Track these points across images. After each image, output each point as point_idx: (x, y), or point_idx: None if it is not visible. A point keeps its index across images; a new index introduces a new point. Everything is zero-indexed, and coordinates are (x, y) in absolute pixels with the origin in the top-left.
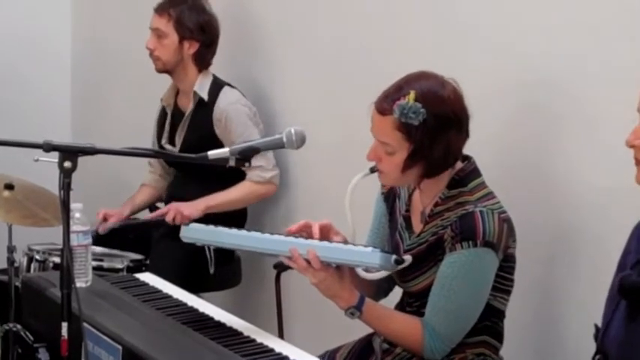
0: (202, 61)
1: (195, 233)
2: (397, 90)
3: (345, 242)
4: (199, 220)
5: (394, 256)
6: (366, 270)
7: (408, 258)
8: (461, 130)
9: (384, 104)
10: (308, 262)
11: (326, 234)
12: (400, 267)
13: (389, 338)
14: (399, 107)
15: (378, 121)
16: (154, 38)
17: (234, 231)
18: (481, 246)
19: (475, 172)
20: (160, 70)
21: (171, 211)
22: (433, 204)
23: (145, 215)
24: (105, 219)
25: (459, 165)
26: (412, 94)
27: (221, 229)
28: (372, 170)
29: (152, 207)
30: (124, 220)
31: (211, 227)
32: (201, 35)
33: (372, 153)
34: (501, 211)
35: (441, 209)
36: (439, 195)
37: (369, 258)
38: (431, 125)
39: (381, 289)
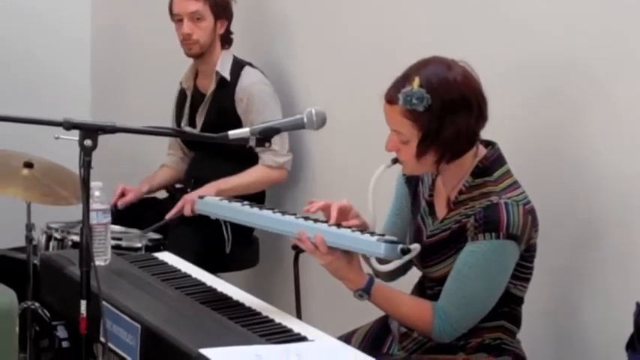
0: (228, 39)
1: (209, 206)
2: (404, 79)
3: (362, 227)
4: None
5: (400, 246)
6: (379, 260)
7: (415, 247)
8: (471, 112)
9: (391, 94)
10: (316, 245)
11: (344, 216)
12: (408, 257)
13: (398, 320)
14: (403, 95)
15: (388, 110)
16: (190, 22)
17: (246, 208)
18: (504, 238)
19: (500, 160)
20: (194, 55)
21: (187, 204)
22: (457, 191)
23: (167, 216)
24: (123, 194)
25: (483, 151)
26: (416, 81)
27: (235, 204)
28: (394, 161)
29: (171, 188)
30: (146, 229)
31: (225, 202)
32: (229, 13)
33: (390, 143)
34: (526, 202)
35: (465, 197)
36: (463, 182)
37: (374, 248)
38: (437, 110)
39: (396, 272)
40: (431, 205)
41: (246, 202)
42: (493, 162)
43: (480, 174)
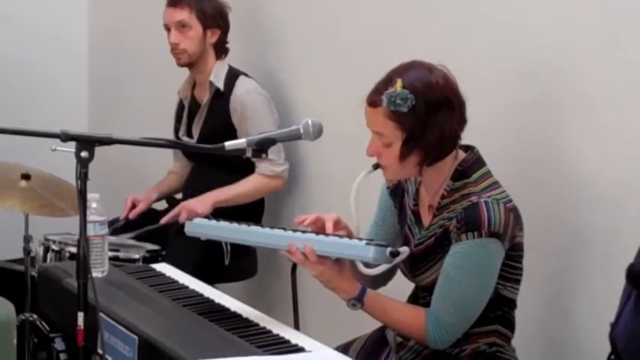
0: (222, 48)
1: (198, 228)
2: (386, 82)
3: (348, 236)
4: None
5: (389, 249)
6: (366, 265)
7: (404, 249)
8: (453, 112)
9: (374, 96)
10: (306, 255)
11: (335, 228)
12: (397, 259)
13: (392, 328)
14: (387, 96)
15: (370, 113)
16: (176, 32)
17: (234, 225)
18: (486, 236)
19: (479, 162)
20: (184, 64)
21: (184, 211)
22: (440, 196)
23: (162, 220)
24: (134, 205)
25: (462, 155)
26: (399, 83)
27: (223, 223)
28: (375, 167)
29: (170, 198)
30: (140, 231)
31: (213, 222)
32: (221, 22)
33: (371, 148)
34: (507, 201)
35: (447, 202)
36: (444, 187)
37: (363, 251)
38: (421, 110)
39: (379, 279)
40: (416, 214)
41: (234, 221)
42: (472, 164)
43: (460, 177)
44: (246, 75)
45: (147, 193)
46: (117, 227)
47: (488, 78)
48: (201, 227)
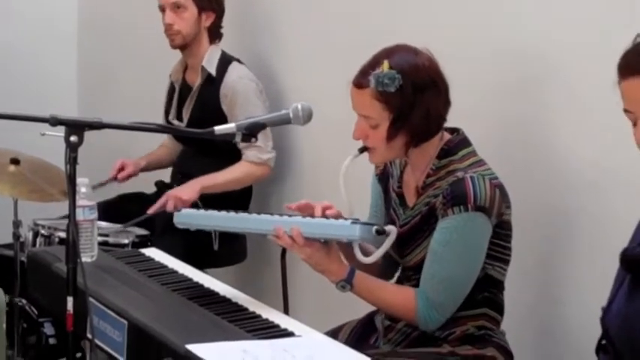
0: (217, 33)
1: (187, 218)
2: (372, 64)
3: (335, 217)
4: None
5: (375, 227)
6: (363, 253)
7: (390, 228)
8: (439, 93)
9: (360, 78)
10: (293, 238)
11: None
12: (388, 240)
13: (382, 309)
14: (374, 76)
15: (356, 95)
16: (171, 13)
17: (223, 213)
18: (472, 210)
19: (464, 142)
20: (177, 46)
21: (170, 199)
22: (425, 175)
23: (149, 210)
24: (122, 168)
25: (447, 136)
26: (386, 63)
27: (211, 212)
28: (361, 150)
29: (158, 183)
30: (129, 223)
31: (202, 211)
32: (216, 5)
33: (358, 131)
34: (493, 177)
35: (432, 179)
36: (430, 166)
37: (349, 231)
38: (408, 91)
39: (386, 271)
40: (401, 196)
41: (222, 210)
42: (457, 144)
43: (445, 155)
44: (238, 61)
45: (136, 160)
46: (101, 183)
47: (478, 63)
48: (190, 217)
